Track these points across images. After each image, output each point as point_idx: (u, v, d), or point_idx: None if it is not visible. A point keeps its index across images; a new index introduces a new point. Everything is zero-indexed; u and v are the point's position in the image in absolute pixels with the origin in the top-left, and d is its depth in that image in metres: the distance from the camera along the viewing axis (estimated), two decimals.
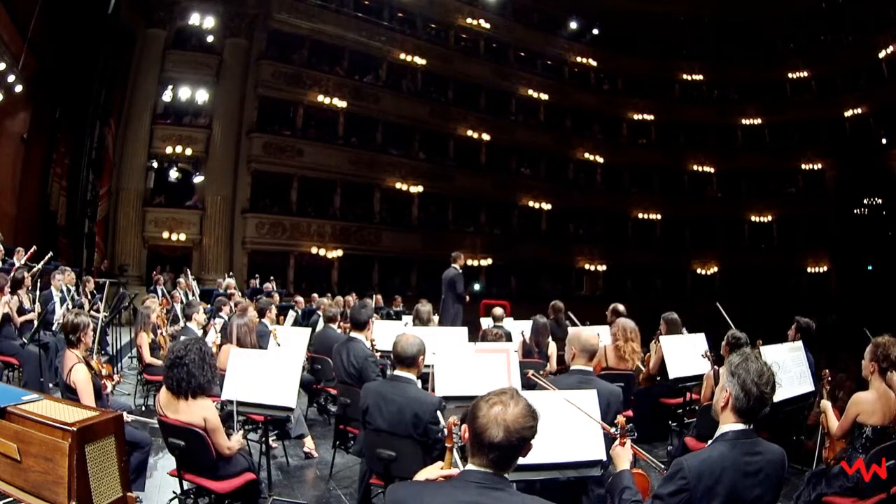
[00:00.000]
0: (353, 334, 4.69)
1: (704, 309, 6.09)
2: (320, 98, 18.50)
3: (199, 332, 5.67)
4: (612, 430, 2.28)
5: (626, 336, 5.10)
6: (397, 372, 3.26)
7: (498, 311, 6.69)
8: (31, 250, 7.91)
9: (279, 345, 5.26)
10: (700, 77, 25.41)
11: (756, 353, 2.08)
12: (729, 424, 2.00)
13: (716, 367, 4.27)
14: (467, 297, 8.29)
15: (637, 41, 24.20)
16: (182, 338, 4.90)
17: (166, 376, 3.15)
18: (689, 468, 1.92)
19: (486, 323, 6.95)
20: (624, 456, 2.25)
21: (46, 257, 7.43)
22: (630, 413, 4.63)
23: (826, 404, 3.49)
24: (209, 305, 8.66)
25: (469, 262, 18.71)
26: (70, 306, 6.92)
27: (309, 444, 4.90)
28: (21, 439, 1.79)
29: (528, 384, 3.43)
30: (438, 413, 3.06)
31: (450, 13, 21.55)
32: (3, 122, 11.35)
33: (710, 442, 2.05)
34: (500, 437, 1.61)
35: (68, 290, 7.82)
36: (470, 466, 1.68)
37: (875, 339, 3.30)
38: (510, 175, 22.59)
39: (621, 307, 6.44)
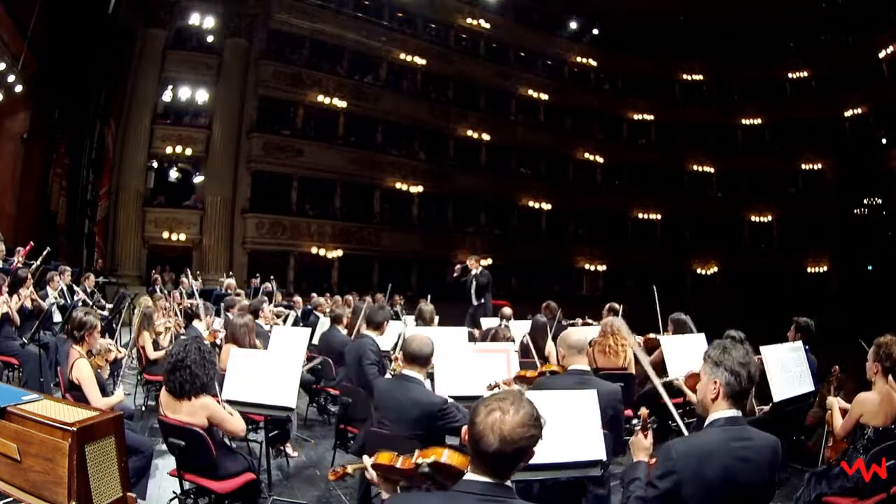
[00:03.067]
0: (364, 331, 4.74)
1: (705, 309, 6.09)
2: (320, 98, 18.50)
3: (204, 333, 5.67)
4: (634, 420, 2.27)
5: (605, 331, 5.08)
6: (406, 371, 3.28)
7: (507, 311, 6.77)
8: (28, 246, 7.88)
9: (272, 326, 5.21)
10: (700, 77, 25.42)
11: (731, 341, 2.11)
12: (719, 412, 2.02)
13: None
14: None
15: (637, 41, 24.17)
16: (181, 337, 4.91)
17: (167, 380, 3.14)
18: (677, 451, 1.94)
19: (486, 323, 6.98)
20: (641, 447, 2.22)
21: (44, 253, 7.40)
22: (629, 413, 4.65)
23: (833, 401, 3.46)
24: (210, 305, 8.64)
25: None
26: (69, 303, 6.92)
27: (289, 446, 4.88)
28: (21, 439, 1.79)
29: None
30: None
31: (450, 13, 21.54)
32: (3, 122, 11.35)
33: (706, 423, 2.07)
34: (496, 446, 1.53)
35: (70, 290, 7.83)
36: (469, 476, 1.61)
37: (878, 340, 3.28)
38: (510, 175, 22.59)
39: (617, 306, 6.46)
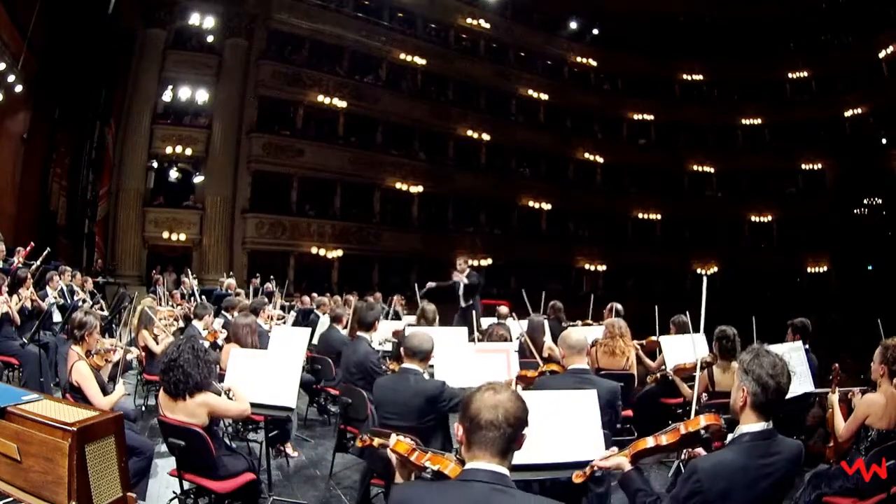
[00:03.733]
0: (359, 333, 4.75)
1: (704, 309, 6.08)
2: (320, 98, 18.50)
3: (204, 333, 5.67)
4: (582, 472, 2.24)
5: (612, 332, 5.09)
6: (406, 365, 3.35)
7: (503, 309, 6.81)
8: (29, 246, 7.88)
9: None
10: (700, 77, 25.40)
11: (765, 347, 2.08)
12: (747, 425, 1.99)
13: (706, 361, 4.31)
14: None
15: (637, 41, 24.16)
16: (180, 337, 4.91)
17: (163, 380, 3.14)
18: (703, 470, 1.92)
19: (486, 323, 6.98)
20: (615, 464, 2.17)
21: (44, 253, 7.40)
22: (630, 413, 4.66)
23: (834, 400, 3.41)
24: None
25: (469, 262, 18.72)
26: (69, 303, 6.92)
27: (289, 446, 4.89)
28: (21, 439, 1.79)
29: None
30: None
31: (450, 13, 21.54)
32: (3, 122, 11.34)
33: (728, 439, 2.05)
34: (498, 418, 1.61)
35: (69, 290, 7.83)
36: (472, 465, 1.64)
37: (884, 342, 3.24)
38: (510, 175, 22.59)
39: (619, 306, 6.47)
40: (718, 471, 1.91)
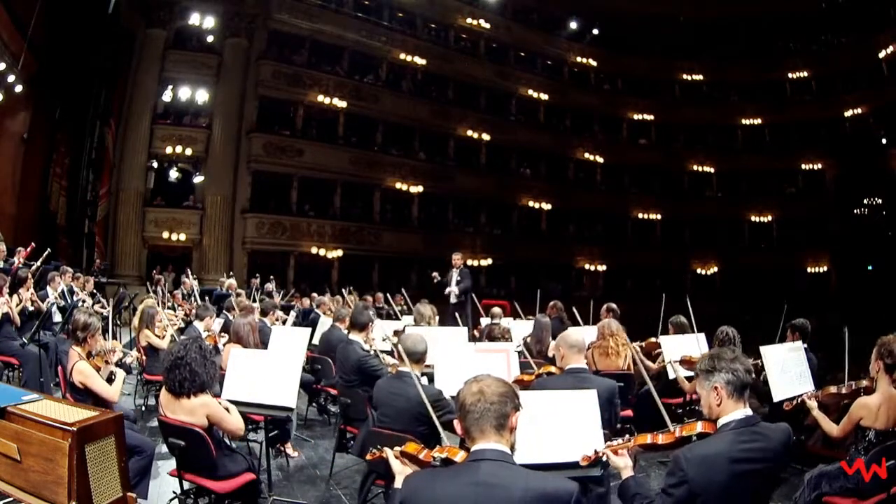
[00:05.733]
0: (351, 336, 4.70)
1: (705, 309, 6.09)
2: (320, 98, 18.51)
3: (205, 335, 5.66)
4: (597, 452, 2.31)
5: (603, 333, 5.08)
6: (402, 368, 3.35)
7: (496, 309, 6.88)
8: (30, 247, 7.88)
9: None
10: (700, 77, 25.38)
11: (718, 348, 2.15)
12: (729, 415, 2.04)
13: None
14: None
15: (637, 41, 24.17)
16: (181, 337, 4.91)
17: (167, 378, 3.13)
18: (687, 460, 1.97)
19: (484, 323, 7.04)
20: (620, 465, 2.23)
21: (44, 254, 7.40)
22: (630, 413, 4.66)
23: (812, 405, 3.45)
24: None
25: (469, 262, 18.75)
26: (69, 304, 6.92)
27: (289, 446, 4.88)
28: (21, 439, 1.79)
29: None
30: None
31: (450, 13, 21.55)
32: (3, 122, 11.34)
33: (717, 428, 2.10)
34: (481, 398, 1.74)
35: (69, 290, 7.83)
36: (475, 447, 1.74)
37: (881, 339, 3.26)
38: (510, 175, 22.60)
39: (614, 305, 6.49)
40: (702, 459, 1.96)
